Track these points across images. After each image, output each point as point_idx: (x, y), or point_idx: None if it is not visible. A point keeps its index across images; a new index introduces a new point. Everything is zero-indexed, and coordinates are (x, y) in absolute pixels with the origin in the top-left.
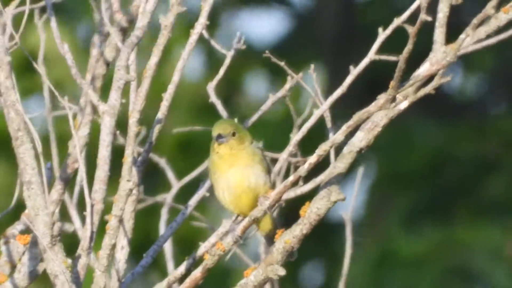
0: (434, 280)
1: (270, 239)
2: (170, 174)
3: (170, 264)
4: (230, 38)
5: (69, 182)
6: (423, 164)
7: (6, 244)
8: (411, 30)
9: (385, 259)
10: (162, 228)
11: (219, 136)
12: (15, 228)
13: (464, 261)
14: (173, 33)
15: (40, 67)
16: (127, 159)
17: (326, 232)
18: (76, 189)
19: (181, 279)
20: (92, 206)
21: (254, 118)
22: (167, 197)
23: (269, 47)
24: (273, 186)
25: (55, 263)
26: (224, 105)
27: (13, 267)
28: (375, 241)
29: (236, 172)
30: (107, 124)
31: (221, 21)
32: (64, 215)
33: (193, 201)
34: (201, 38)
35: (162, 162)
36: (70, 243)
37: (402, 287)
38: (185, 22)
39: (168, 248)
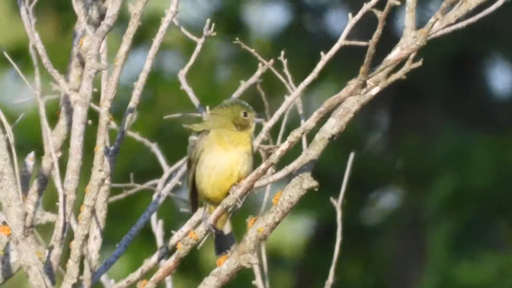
0: None
1: (220, 237)
2: (161, 159)
3: (159, 240)
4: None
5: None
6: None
7: None
8: (380, 15)
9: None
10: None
11: (259, 116)
12: None
13: None
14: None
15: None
16: (99, 148)
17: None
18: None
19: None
20: (64, 196)
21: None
22: (159, 183)
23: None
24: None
25: (28, 254)
26: None
27: None
28: (432, 266)
29: (235, 154)
30: (78, 114)
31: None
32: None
33: (165, 191)
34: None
35: (154, 146)
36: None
37: None
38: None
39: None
